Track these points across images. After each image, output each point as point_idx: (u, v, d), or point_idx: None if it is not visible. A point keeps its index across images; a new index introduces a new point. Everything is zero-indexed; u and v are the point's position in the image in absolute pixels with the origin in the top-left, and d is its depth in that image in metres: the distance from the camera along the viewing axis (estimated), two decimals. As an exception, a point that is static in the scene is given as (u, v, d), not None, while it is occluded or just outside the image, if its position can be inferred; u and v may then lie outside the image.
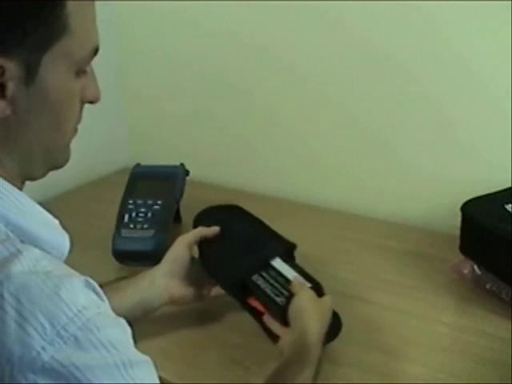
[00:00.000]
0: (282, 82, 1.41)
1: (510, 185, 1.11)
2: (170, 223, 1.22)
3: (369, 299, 1.04)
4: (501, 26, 1.13)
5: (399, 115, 1.30)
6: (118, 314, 0.64)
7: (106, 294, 0.57)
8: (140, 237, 1.16)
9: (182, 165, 1.32)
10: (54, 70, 0.58)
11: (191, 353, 0.94)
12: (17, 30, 0.54)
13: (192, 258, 0.98)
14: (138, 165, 1.35)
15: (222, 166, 1.58)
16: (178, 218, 1.30)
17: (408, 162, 1.32)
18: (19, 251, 0.53)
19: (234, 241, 1.01)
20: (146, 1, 1.51)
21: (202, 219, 1.07)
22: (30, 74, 0.56)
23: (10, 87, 0.56)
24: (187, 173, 1.32)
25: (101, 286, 0.57)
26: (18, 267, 0.51)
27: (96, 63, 0.66)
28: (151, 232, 1.16)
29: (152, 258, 1.15)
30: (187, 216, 1.33)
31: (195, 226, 1.04)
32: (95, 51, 0.62)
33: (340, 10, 1.27)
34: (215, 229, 1.00)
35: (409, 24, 1.23)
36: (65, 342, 0.49)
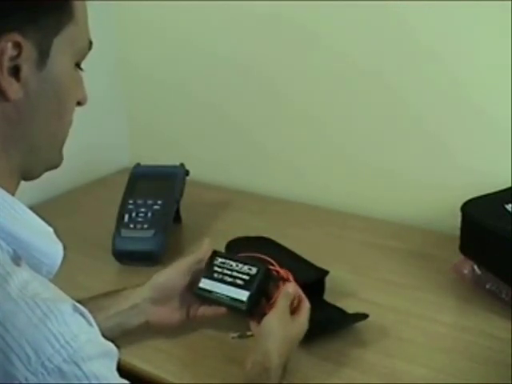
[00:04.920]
0: (279, 84, 1.42)
1: (509, 185, 1.11)
2: (169, 223, 1.22)
3: (369, 299, 1.04)
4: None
5: (398, 119, 1.30)
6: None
7: (90, 312, 0.55)
8: (140, 237, 1.16)
9: (182, 165, 1.32)
10: (62, 55, 0.60)
11: (191, 353, 0.94)
12: (33, 11, 0.56)
13: (187, 285, 0.92)
14: (138, 165, 1.35)
15: (222, 166, 1.58)
16: (177, 218, 1.30)
17: (407, 162, 1.33)
18: (8, 274, 0.52)
19: None
20: (146, 0, 1.51)
21: (231, 250, 1.06)
22: (42, 57, 0.58)
23: (25, 69, 0.57)
24: (187, 173, 1.32)
25: (83, 302, 0.56)
26: (6, 292, 0.50)
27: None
28: (151, 232, 1.16)
29: (152, 257, 1.15)
30: (187, 216, 1.33)
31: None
32: (90, 45, 0.65)
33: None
34: (208, 248, 0.94)
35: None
36: (48, 374, 0.49)
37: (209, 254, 0.94)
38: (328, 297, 1.01)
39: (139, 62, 1.63)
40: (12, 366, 0.48)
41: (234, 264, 0.92)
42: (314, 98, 1.39)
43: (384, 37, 1.26)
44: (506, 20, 1.11)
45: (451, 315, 1.02)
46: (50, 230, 0.62)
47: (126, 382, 0.57)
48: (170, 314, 0.91)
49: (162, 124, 1.65)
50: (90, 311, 0.55)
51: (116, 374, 0.55)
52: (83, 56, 0.64)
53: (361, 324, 0.96)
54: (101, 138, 1.61)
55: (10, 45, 0.55)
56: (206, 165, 1.55)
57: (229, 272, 0.92)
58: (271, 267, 0.92)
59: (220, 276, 0.91)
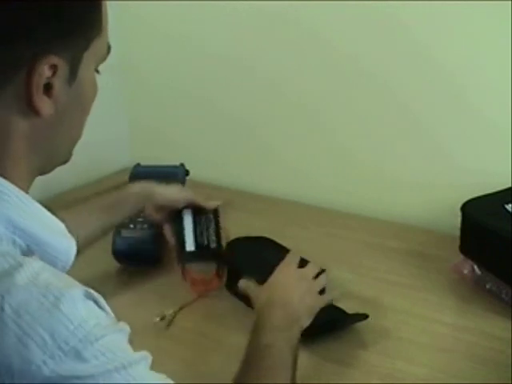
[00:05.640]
0: (280, 86, 1.42)
1: (510, 185, 1.11)
2: (169, 223, 1.22)
3: (369, 299, 1.04)
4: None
5: (399, 120, 1.30)
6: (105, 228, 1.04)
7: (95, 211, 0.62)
8: (140, 237, 1.15)
9: (182, 165, 1.32)
10: (88, 68, 0.62)
11: (191, 353, 0.94)
12: (70, 31, 0.58)
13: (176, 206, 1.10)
14: (138, 165, 1.35)
15: (222, 165, 1.58)
16: (177, 218, 1.30)
17: (408, 162, 1.33)
18: (20, 264, 0.53)
19: (264, 269, 1.00)
20: (147, 0, 1.51)
21: (232, 249, 1.09)
22: (73, 72, 0.59)
23: (57, 86, 0.58)
24: (187, 173, 1.32)
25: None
26: (18, 280, 0.51)
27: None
28: (151, 232, 1.16)
29: (152, 258, 1.15)
30: (187, 216, 1.33)
31: (226, 256, 1.07)
32: (109, 49, 0.66)
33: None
34: (214, 206, 1.12)
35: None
36: (65, 355, 0.49)
37: (209, 207, 1.11)
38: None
39: (140, 62, 1.63)
40: (28, 352, 0.49)
41: (213, 228, 1.08)
42: (314, 99, 1.39)
43: (384, 39, 1.26)
44: (506, 20, 1.11)
45: (451, 315, 1.02)
46: (63, 226, 0.64)
47: (144, 352, 0.58)
48: (152, 210, 1.09)
49: (162, 124, 1.65)
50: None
51: (128, 344, 0.56)
52: (103, 61, 0.65)
53: (361, 324, 0.96)
54: (101, 138, 1.60)
55: (47, 67, 0.56)
56: (207, 165, 1.55)
57: (205, 228, 1.08)
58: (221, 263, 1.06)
59: (198, 223, 1.09)
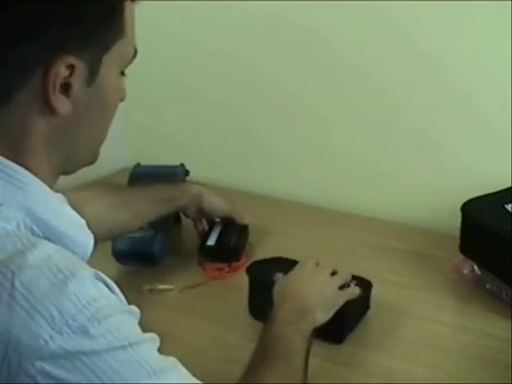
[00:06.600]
0: (280, 87, 1.42)
1: (509, 185, 1.11)
2: (169, 224, 1.22)
3: (369, 299, 1.04)
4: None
5: (398, 121, 1.30)
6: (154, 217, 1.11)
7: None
8: (140, 237, 1.15)
9: (182, 165, 1.32)
10: (110, 70, 0.62)
11: (191, 352, 0.93)
12: (89, 32, 0.58)
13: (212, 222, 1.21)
14: (138, 165, 1.35)
15: (222, 165, 1.58)
16: (177, 218, 1.30)
17: (408, 162, 1.33)
18: (33, 245, 0.54)
19: None
20: (147, 0, 1.50)
21: (253, 272, 1.05)
22: (92, 74, 0.60)
23: (75, 86, 0.59)
24: (187, 173, 1.32)
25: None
26: (30, 259, 0.52)
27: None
28: (151, 232, 1.16)
29: (152, 258, 1.15)
30: (187, 216, 1.33)
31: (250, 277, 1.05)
32: (135, 52, 0.67)
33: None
34: (243, 221, 1.21)
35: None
36: (73, 332, 0.50)
37: (241, 223, 1.20)
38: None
39: (137, 60, 1.62)
40: (37, 326, 0.50)
41: (236, 234, 1.19)
42: (314, 99, 1.39)
43: (384, 39, 1.26)
44: (506, 20, 1.11)
45: (451, 315, 1.02)
46: (83, 221, 0.67)
47: (152, 334, 0.59)
48: (194, 211, 1.18)
49: (162, 124, 1.65)
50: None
51: (139, 329, 0.57)
52: (128, 64, 0.67)
53: (361, 324, 0.96)
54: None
55: (63, 67, 0.57)
56: (207, 165, 1.55)
57: (229, 233, 1.18)
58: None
59: (225, 231, 1.19)
